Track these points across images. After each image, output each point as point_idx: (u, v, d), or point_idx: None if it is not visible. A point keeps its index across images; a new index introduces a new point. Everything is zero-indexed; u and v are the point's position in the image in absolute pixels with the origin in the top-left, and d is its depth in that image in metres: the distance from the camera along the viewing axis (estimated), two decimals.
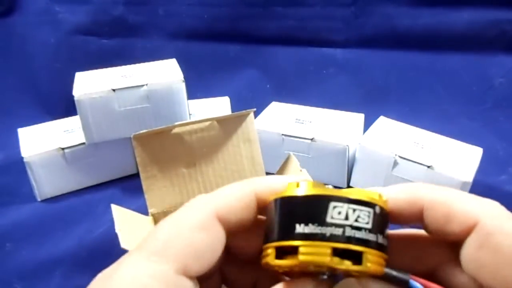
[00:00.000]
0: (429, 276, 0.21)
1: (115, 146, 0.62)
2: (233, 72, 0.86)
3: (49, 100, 0.81)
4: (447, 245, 0.20)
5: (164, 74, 0.60)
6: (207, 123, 0.50)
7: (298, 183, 0.19)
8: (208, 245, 0.19)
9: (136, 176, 0.54)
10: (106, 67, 0.65)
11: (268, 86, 0.85)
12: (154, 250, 0.19)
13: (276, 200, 0.19)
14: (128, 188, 0.63)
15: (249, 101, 0.80)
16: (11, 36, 0.84)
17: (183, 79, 0.59)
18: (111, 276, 0.18)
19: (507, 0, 0.76)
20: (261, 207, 0.21)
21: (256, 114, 0.59)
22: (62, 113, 0.70)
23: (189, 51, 0.85)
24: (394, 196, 0.20)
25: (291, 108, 0.68)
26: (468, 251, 0.18)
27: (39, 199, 0.61)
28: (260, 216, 0.21)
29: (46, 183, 0.61)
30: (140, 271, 0.18)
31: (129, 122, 0.59)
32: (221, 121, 0.50)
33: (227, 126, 0.51)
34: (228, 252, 0.22)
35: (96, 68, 0.64)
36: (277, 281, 0.21)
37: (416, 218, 0.20)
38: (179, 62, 0.65)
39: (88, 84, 0.58)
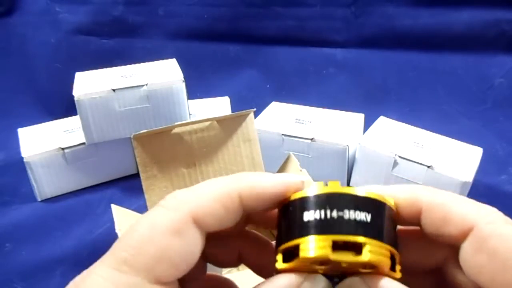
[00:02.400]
0: (437, 272, 0.21)
1: (115, 146, 0.62)
2: (233, 72, 0.86)
3: (49, 100, 0.81)
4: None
5: (164, 74, 0.60)
6: (207, 123, 0.50)
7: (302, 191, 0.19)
8: (183, 251, 0.18)
9: (136, 176, 0.54)
10: (106, 67, 0.65)
11: (268, 86, 0.85)
12: (125, 259, 0.17)
13: (280, 209, 0.19)
14: (128, 188, 0.63)
15: (249, 101, 0.80)
16: (11, 36, 0.84)
17: (183, 79, 0.59)
18: (80, 285, 0.17)
19: (507, 0, 0.76)
20: (246, 206, 0.19)
21: (256, 114, 0.59)
22: (62, 113, 0.70)
23: (189, 51, 0.85)
24: (393, 195, 0.20)
25: (291, 108, 0.68)
26: (465, 255, 0.18)
27: (39, 199, 0.61)
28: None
29: (46, 183, 0.61)
30: (110, 283, 0.17)
31: (129, 122, 0.59)
32: (221, 121, 0.50)
33: (227, 126, 0.51)
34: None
35: (96, 68, 0.64)
36: (261, 249, 0.21)
37: (414, 219, 0.20)
38: (179, 62, 0.65)
39: (88, 84, 0.58)
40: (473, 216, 0.18)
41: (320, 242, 0.17)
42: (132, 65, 0.65)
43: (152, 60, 0.66)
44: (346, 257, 0.17)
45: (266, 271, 0.22)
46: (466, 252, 0.18)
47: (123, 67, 0.65)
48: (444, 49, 0.81)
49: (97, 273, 0.17)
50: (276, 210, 0.20)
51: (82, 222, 0.57)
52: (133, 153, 0.51)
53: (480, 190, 0.57)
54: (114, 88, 0.57)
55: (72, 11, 0.83)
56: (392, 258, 0.18)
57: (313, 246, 0.17)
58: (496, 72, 0.79)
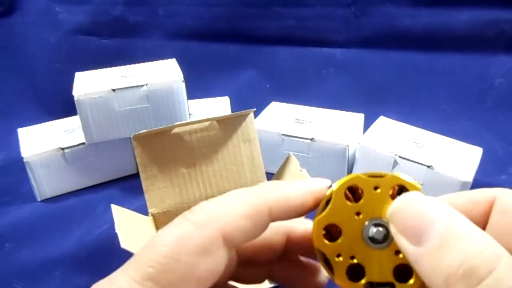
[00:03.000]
0: None
1: (115, 146, 0.62)
2: (233, 72, 0.86)
3: (49, 100, 0.81)
4: None
5: (164, 74, 0.60)
6: (207, 123, 0.50)
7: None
8: (209, 270, 0.18)
9: (136, 176, 0.54)
10: (106, 67, 0.65)
11: (268, 86, 0.85)
12: (150, 274, 0.17)
13: None
14: (128, 188, 0.63)
15: (249, 101, 0.80)
16: (11, 36, 0.84)
17: (183, 79, 0.59)
18: None
19: (507, 0, 0.76)
20: (273, 218, 0.19)
21: (256, 114, 0.59)
22: (62, 113, 0.70)
23: (189, 51, 0.85)
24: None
25: (291, 108, 0.68)
26: (494, 218, 0.19)
27: (39, 199, 0.61)
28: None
29: (46, 183, 0.61)
30: None
31: (129, 122, 0.59)
32: (221, 121, 0.50)
33: (227, 126, 0.51)
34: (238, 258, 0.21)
35: (96, 68, 0.64)
36: (290, 271, 0.21)
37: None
38: (179, 62, 0.65)
39: (88, 84, 0.58)
40: (493, 191, 0.20)
41: None
42: (132, 65, 0.65)
43: (152, 60, 0.66)
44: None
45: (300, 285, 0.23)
46: (495, 217, 0.19)
47: (123, 67, 0.65)
48: (444, 49, 0.81)
49: (119, 284, 0.17)
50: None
51: (82, 222, 0.57)
52: (133, 153, 0.51)
53: None
54: (114, 88, 0.57)
55: (72, 11, 0.83)
56: None
57: None
58: (496, 72, 0.79)
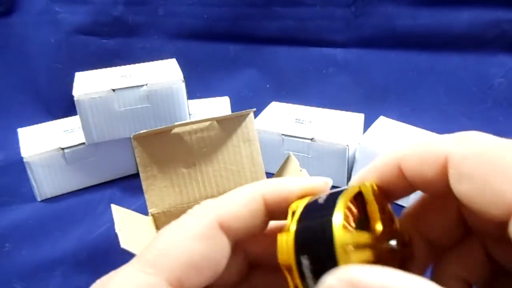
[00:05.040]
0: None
1: (115, 146, 0.62)
2: (233, 72, 0.86)
3: (49, 100, 0.81)
4: None
5: (164, 74, 0.60)
6: (207, 123, 0.50)
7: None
8: (208, 256, 0.18)
9: (136, 176, 0.54)
10: (106, 67, 0.65)
11: (268, 86, 0.85)
12: (150, 261, 0.18)
13: None
14: (128, 188, 0.63)
15: (249, 101, 0.80)
16: (11, 36, 0.84)
17: (183, 79, 0.59)
18: (106, 284, 0.18)
19: (507, 0, 0.76)
20: (272, 212, 0.19)
21: (256, 114, 0.59)
22: (62, 113, 0.70)
23: (189, 51, 0.85)
24: (380, 166, 0.19)
25: (291, 108, 0.68)
26: (454, 188, 0.16)
27: (39, 199, 0.61)
28: (272, 222, 0.20)
29: (46, 183, 0.61)
30: (133, 282, 0.17)
31: (129, 122, 0.59)
32: (221, 121, 0.50)
33: (227, 126, 0.51)
34: (252, 262, 0.21)
35: (96, 68, 0.64)
36: None
37: (399, 179, 0.18)
38: (179, 62, 0.65)
39: (88, 84, 0.58)
40: (445, 146, 0.17)
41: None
42: (132, 65, 0.65)
43: (152, 60, 0.66)
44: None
45: None
46: (453, 186, 0.16)
47: (123, 67, 0.65)
48: (444, 49, 0.81)
49: (122, 274, 0.18)
50: None
51: (82, 222, 0.57)
52: (133, 153, 0.51)
53: None
54: (114, 88, 0.57)
55: (72, 11, 0.83)
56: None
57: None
58: (496, 72, 0.79)
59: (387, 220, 0.19)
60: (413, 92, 0.81)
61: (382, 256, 0.18)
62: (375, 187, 0.19)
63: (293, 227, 0.18)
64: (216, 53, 0.86)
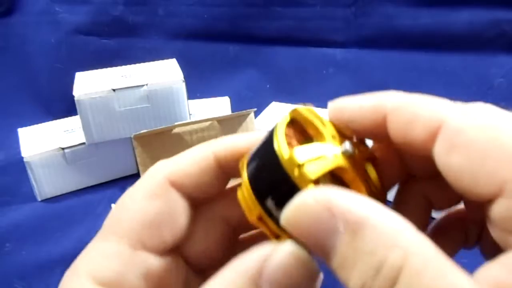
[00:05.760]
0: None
1: (115, 146, 0.62)
2: (233, 72, 0.86)
3: (49, 100, 0.81)
4: None
5: (164, 74, 0.60)
6: (207, 123, 0.50)
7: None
8: (162, 214, 0.18)
9: (136, 176, 0.54)
10: (106, 67, 0.65)
11: (268, 86, 0.85)
12: (109, 229, 0.18)
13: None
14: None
15: (249, 101, 0.80)
16: (11, 36, 0.84)
17: (183, 79, 0.59)
18: (76, 265, 0.18)
19: (507, 0, 0.76)
20: (227, 169, 0.19)
21: (256, 114, 0.59)
22: (62, 113, 0.70)
23: (189, 51, 0.85)
24: (358, 104, 0.18)
25: (291, 108, 0.68)
26: (439, 160, 0.15)
27: (39, 199, 0.61)
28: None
29: (46, 183, 0.61)
30: (98, 253, 0.18)
31: (129, 122, 0.59)
32: (221, 121, 0.51)
33: (227, 126, 0.51)
34: (237, 231, 0.20)
35: (96, 68, 0.64)
36: None
37: (380, 128, 0.17)
38: (179, 62, 0.65)
39: (88, 84, 0.58)
40: (442, 111, 0.15)
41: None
42: (132, 65, 0.65)
43: (152, 60, 0.66)
44: None
45: None
46: (439, 156, 0.15)
47: (123, 67, 0.65)
48: (444, 49, 0.81)
49: (89, 248, 0.18)
50: None
51: (82, 222, 0.57)
52: (133, 153, 0.51)
53: None
54: (114, 88, 0.57)
55: (72, 11, 0.83)
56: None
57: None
58: (496, 72, 0.79)
59: (340, 136, 0.18)
60: (413, 92, 0.81)
61: (338, 162, 0.16)
62: (311, 109, 0.18)
63: (244, 176, 0.17)
64: (216, 53, 0.86)
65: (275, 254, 0.15)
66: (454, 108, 0.16)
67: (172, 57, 0.67)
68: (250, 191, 0.17)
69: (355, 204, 0.14)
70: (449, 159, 0.15)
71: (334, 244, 0.14)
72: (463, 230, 0.21)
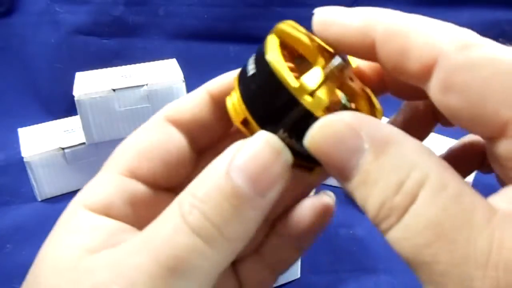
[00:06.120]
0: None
1: (115, 146, 0.62)
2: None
3: (49, 100, 0.81)
4: None
5: (164, 74, 0.60)
6: None
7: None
8: (155, 144, 0.19)
9: None
10: (106, 67, 0.65)
11: None
12: (107, 162, 0.20)
13: None
14: None
15: None
16: (11, 36, 0.84)
17: (183, 79, 0.59)
18: (81, 192, 0.21)
19: (507, 0, 0.76)
20: (220, 104, 0.20)
21: None
22: (62, 113, 0.70)
23: (189, 51, 0.85)
24: (344, 23, 0.17)
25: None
26: (435, 97, 0.15)
27: (39, 199, 0.61)
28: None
29: (46, 183, 0.61)
30: (92, 183, 0.20)
31: (129, 122, 0.59)
32: None
33: None
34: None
35: (96, 68, 0.64)
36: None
37: (369, 52, 0.16)
38: (179, 62, 0.65)
39: (88, 84, 0.58)
40: (437, 42, 0.14)
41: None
42: (132, 65, 0.65)
43: (152, 60, 0.66)
44: None
45: None
46: (435, 95, 0.15)
47: (123, 67, 0.65)
48: None
49: (94, 179, 0.21)
50: None
51: None
52: None
53: (480, 190, 0.57)
54: (114, 88, 0.57)
55: (72, 11, 0.83)
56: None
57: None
58: None
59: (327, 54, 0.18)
60: None
61: (321, 64, 0.17)
62: (294, 24, 0.19)
63: (235, 83, 0.19)
64: (216, 53, 0.86)
65: (247, 142, 0.15)
66: (450, 39, 0.14)
67: (172, 57, 0.67)
68: (239, 95, 0.18)
69: (380, 125, 0.14)
70: (446, 99, 0.14)
71: (357, 163, 0.14)
72: (479, 156, 0.22)
